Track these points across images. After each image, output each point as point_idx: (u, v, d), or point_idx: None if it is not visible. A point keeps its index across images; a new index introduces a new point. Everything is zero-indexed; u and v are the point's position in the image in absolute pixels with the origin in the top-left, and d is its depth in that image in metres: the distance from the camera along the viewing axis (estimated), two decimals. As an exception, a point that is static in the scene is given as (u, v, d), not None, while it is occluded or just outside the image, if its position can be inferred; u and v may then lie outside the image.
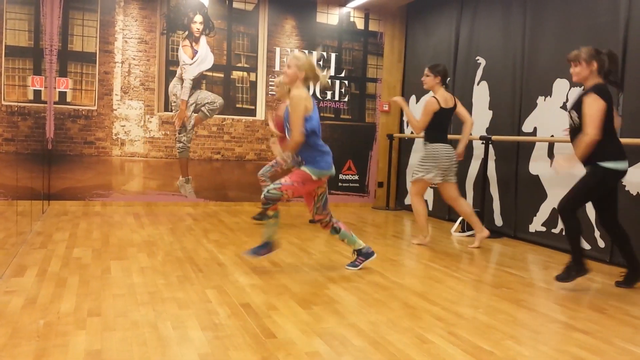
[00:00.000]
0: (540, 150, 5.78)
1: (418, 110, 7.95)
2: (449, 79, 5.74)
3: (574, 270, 3.97)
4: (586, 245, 5.22)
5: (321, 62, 8.01)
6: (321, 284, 3.85)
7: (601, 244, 5.06)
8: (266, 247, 4.19)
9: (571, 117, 4.02)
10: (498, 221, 6.34)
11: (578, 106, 3.90)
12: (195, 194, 7.52)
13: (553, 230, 5.59)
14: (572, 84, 5.40)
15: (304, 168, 4.12)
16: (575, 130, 3.97)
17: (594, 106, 3.76)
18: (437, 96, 5.30)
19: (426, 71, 5.41)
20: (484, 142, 6.23)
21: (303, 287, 3.77)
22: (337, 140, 8.15)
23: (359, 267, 4.32)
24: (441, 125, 5.32)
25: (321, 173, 4.16)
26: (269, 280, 3.89)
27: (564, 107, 5.48)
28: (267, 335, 2.83)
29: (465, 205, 5.50)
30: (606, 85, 3.87)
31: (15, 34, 6.58)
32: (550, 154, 5.63)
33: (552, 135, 5.61)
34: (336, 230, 4.30)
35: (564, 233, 4.02)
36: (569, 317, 3.38)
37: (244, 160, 7.73)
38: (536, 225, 5.80)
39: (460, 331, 3.02)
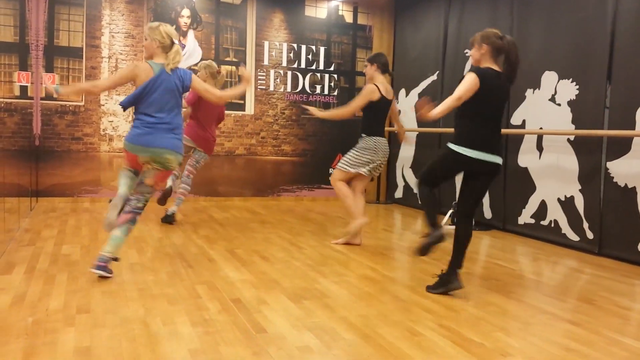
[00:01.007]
0: (529, 142, 5.81)
1: (409, 103, 7.97)
2: (391, 71, 5.52)
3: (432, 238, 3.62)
4: (575, 237, 5.26)
5: (310, 56, 7.99)
6: (312, 279, 3.85)
7: (590, 235, 5.10)
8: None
9: None
10: (487, 214, 6.37)
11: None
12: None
13: (542, 223, 5.62)
14: (561, 76, 5.42)
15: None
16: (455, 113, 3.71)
17: (463, 84, 3.50)
18: (378, 83, 4.98)
19: (365, 62, 5.28)
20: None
21: (293, 281, 3.76)
22: (327, 134, 8.15)
23: (102, 273, 3.62)
24: (380, 117, 5.04)
25: (125, 144, 3.74)
26: (259, 275, 3.89)
27: (552, 99, 5.50)
28: (257, 330, 2.83)
29: (350, 200, 5.01)
30: (495, 70, 3.58)
31: (0, 29, 6.51)
32: (539, 146, 5.66)
33: (541, 128, 5.64)
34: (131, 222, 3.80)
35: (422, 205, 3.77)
36: (558, 309, 3.40)
37: (234, 155, 7.71)
38: (525, 217, 5.83)
39: (451, 323, 3.03)
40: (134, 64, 3.84)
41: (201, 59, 7.42)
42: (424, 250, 3.63)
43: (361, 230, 5.11)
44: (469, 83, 3.49)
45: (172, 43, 3.83)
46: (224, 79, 6.17)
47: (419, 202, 4.00)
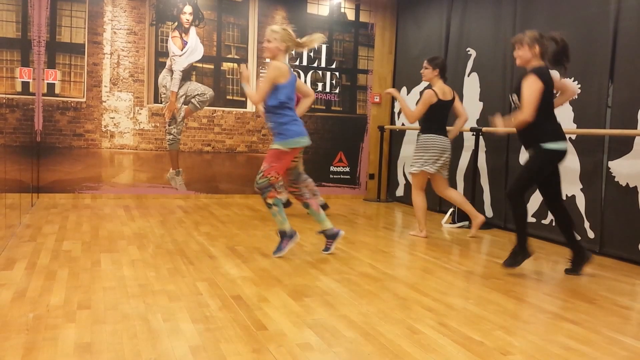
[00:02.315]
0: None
1: (409, 102, 7.96)
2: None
3: (520, 255, 4.09)
4: (576, 236, 5.25)
5: (312, 54, 7.98)
6: (312, 276, 3.85)
7: (591, 234, 5.09)
8: (284, 239, 4.37)
9: (512, 101, 4.11)
10: (488, 212, 6.37)
11: (518, 88, 3.96)
12: (186, 186, 7.49)
13: (543, 221, 5.62)
14: (563, 75, 5.41)
15: (274, 146, 4.26)
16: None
17: (531, 87, 3.83)
18: (436, 88, 5.30)
19: (425, 63, 5.40)
20: (475, 133, 6.24)
21: (294, 279, 3.77)
22: (328, 132, 8.15)
23: (330, 251, 4.53)
24: (437, 117, 5.33)
25: (290, 143, 4.25)
26: (260, 272, 3.89)
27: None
28: (258, 327, 2.83)
29: (456, 195, 5.59)
30: (547, 67, 3.95)
31: (2, 25, 6.51)
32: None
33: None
34: (306, 206, 4.50)
35: (514, 218, 4.07)
36: (559, 308, 3.40)
37: (235, 152, 7.71)
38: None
39: (451, 322, 3.04)
40: (278, 65, 4.20)
41: (203, 56, 7.43)
42: (513, 265, 4.12)
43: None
44: (537, 90, 3.84)
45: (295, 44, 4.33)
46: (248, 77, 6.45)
47: (515, 219, 4.07)
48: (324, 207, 6.28)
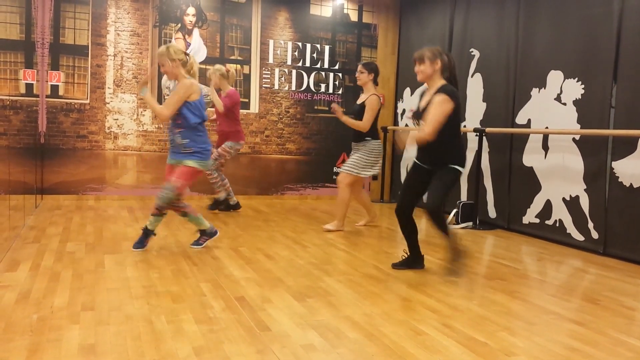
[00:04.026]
0: (534, 142, 5.79)
1: (410, 103, 7.95)
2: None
3: (412, 262, 4.19)
4: (579, 237, 5.25)
5: (315, 55, 7.98)
6: (316, 277, 3.85)
7: (594, 235, 5.08)
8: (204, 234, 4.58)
9: (412, 117, 4.29)
10: (492, 213, 6.36)
11: (423, 108, 3.98)
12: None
13: (547, 222, 5.61)
14: (566, 76, 5.41)
15: (189, 163, 4.32)
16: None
17: (442, 107, 3.79)
18: (378, 93, 5.56)
19: (360, 68, 5.60)
20: (478, 134, 6.23)
21: (297, 280, 3.76)
22: (332, 133, 8.14)
23: (202, 246, 4.59)
24: (376, 122, 5.63)
25: (208, 165, 4.47)
26: (264, 273, 3.89)
27: (558, 98, 5.48)
28: (261, 328, 2.83)
29: (367, 197, 6.09)
30: (452, 86, 3.94)
31: (6, 27, 6.53)
32: (545, 146, 5.64)
33: (547, 127, 5.62)
34: (184, 215, 4.48)
35: (441, 231, 3.97)
36: (563, 308, 3.39)
37: (238, 153, 7.69)
38: (530, 217, 5.82)
39: (455, 323, 3.03)
40: (191, 83, 4.26)
41: (206, 57, 7.43)
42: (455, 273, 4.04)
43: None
44: (446, 112, 3.84)
45: (187, 56, 4.31)
46: (235, 77, 6.53)
47: (443, 231, 4.00)
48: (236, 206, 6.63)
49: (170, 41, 7.27)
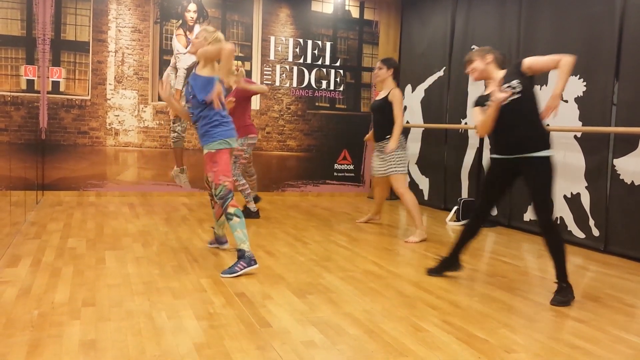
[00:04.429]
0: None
1: (415, 99, 7.95)
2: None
3: (568, 290, 3.46)
4: (580, 234, 5.24)
5: (316, 52, 7.97)
6: (316, 274, 3.85)
7: (595, 232, 5.08)
8: (242, 259, 3.72)
9: (511, 88, 3.52)
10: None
11: (513, 77, 3.53)
12: (190, 183, 7.48)
13: (548, 219, 5.60)
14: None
15: (208, 148, 3.93)
16: (513, 111, 3.51)
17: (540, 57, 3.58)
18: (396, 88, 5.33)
19: (379, 64, 5.39)
20: (479, 131, 6.22)
21: (298, 276, 3.77)
22: (332, 130, 8.14)
23: (236, 274, 3.68)
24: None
25: (230, 141, 3.96)
26: (264, 269, 3.89)
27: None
28: (262, 324, 2.83)
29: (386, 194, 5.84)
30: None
31: (7, 23, 6.52)
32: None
33: (548, 125, 5.60)
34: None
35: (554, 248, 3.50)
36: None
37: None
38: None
39: (455, 319, 3.03)
40: None
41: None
42: (564, 303, 3.40)
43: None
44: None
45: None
46: (243, 74, 6.20)
47: (556, 248, 3.47)
48: (255, 214, 6.00)
49: (171, 38, 7.27)
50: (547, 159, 3.45)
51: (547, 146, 3.47)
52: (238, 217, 3.78)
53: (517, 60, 3.60)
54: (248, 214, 5.81)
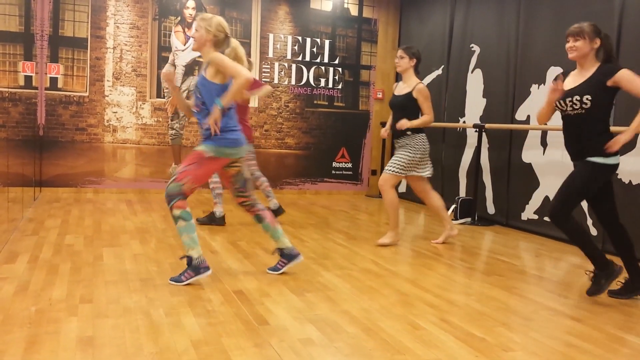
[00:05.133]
0: (533, 138, 5.79)
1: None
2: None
3: (602, 278, 3.41)
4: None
5: (315, 49, 7.96)
6: (314, 271, 3.85)
7: (593, 232, 5.08)
8: (189, 267, 3.41)
9: (573, 103, 3.42)
10: (490, 209, 6.36)
11: (592, 88, 3.36)
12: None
13: (545, 218, 5.61)
14: (566, 72, 5.39)
15: (199, 147, 3.58)
16: (575, 118, 3.42)
17: (635, 75, 3.26)
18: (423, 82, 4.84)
19: (400, 52, 4.83)
20: (478, 130, 6.23)
21: (296, 274, 3.77)
22: (331, 128, 8.14)
23: (280, 272, 3.72)
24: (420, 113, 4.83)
25: (221, 150, 3.54)
26: (262, 267, 3.89)
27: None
28: (260, 322, 2.83)
29: (437, 199, 5.07)
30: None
31: (5, 18, 6.50)
32: (544, 142, 5.64)
33: (546, 124, 5.61)
34: (259, 219, 3.73)
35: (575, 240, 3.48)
36: (561, 305, 3.39)
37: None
38: (528, 213, 5.82)
39: (453, 318, 3.03)
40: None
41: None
42: (597, 292, 3.44)
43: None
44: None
45: (227, 37, 3.60)
46: (252, 66, 5.85)
47: (572, 239, 3.50)
48: (278, 211, 5.67)
49: (169, 34, 7.26)
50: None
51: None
52: (184, 219, 3.39)
53: (613, 66, 3.35)
54: (212, 219, 5.40)
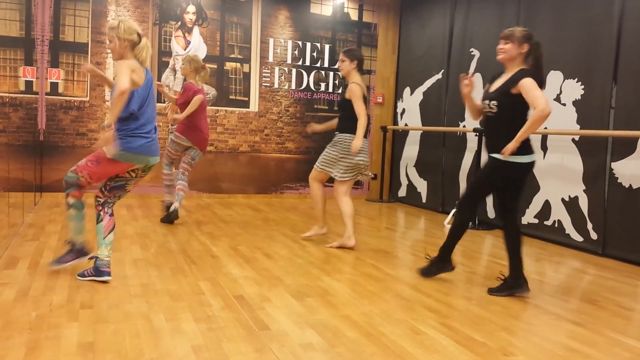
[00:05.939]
0: (532, 142, 5.77)
1: (410, 103, 7.96)
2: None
3: (436, 267, 3.89)
4: (578, 237, 5.25)
5: (315, 54, 7.98)
6: (314, 276, 3.85)
7: (593, 236, 5.08)
8: (71, 252, 3.55)
9: (489, 106, 3.60)
10: (490, 213, 6.36)
11: (499, 95, 3.55)
12: (189, 185, 7.48)
13: (546, 223, 5.61)
14: (566, 76, 5.41)
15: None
16: (492, 119, 3.63)
17: (534, 85, 3.42)
18: (359, 82, 4.73)
19: (341, 56, 4.80)
20: (478, 134, 6.23)
21: (296, 279, 3.76)
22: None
23: (63, 266, 3.58)
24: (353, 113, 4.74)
25: (121, 154, 3.42)
26: (262, 272, 3.89)
27: (557, 99, 5.48)
28: (260, 327, 2.83)
29: (321, 199, 4.99)
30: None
31: (6, 23, 6.52)
32: (544, 146, 5.64)
33: (546, 127, 5.62)
34: (98, 218, 3.51)
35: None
36: (561, 309, 3.39)
37: (237, 152, 7.71)
38: (529, 217, 5.82)
39: (453, 322, 3.03)
40: (132, 62, 3.42)
41: (206, 56, 7.42)
42: (427, 274, 3.94)
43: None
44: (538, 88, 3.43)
45: (140, 37, 3.49)
46: (208, 75, 5.87)
47: (453, 228, 3.81)
48: (173, 214, 5.46)
49: (169, 39, 7.28)
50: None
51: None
52: (76, 208, 3.48)
53: (521, 74, 3.47)
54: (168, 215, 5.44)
